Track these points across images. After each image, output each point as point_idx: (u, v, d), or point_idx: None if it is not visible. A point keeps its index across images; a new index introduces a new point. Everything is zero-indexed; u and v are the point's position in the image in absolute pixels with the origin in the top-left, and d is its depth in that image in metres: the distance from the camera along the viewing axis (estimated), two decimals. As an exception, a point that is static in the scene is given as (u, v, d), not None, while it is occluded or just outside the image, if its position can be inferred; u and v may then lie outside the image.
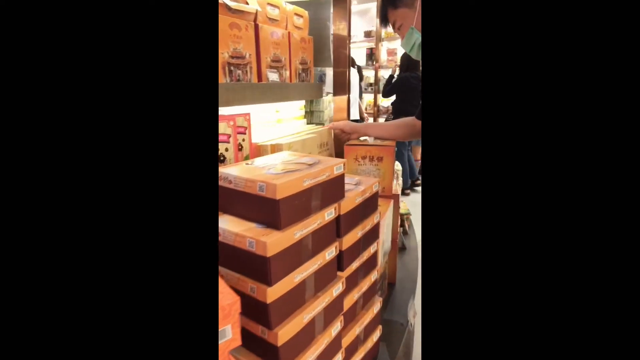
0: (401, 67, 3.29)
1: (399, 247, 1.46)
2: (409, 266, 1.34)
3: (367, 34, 5.07)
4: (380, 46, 4.90)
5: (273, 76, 0.97)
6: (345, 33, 1.29)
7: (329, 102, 1.39)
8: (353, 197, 0.69)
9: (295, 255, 0.57)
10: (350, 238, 0.70)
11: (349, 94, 1.34)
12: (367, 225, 0.76)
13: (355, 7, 5.11)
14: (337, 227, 0.67)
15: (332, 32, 1.33)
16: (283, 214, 0.54)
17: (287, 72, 1.10)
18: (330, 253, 0.64)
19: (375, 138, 1.25)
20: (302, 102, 1.33)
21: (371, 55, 4.98)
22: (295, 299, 0.58)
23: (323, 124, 1.45)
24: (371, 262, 0.83)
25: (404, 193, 2.57)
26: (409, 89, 3.15)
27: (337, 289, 0.66)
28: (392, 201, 1.08)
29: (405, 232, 1.62)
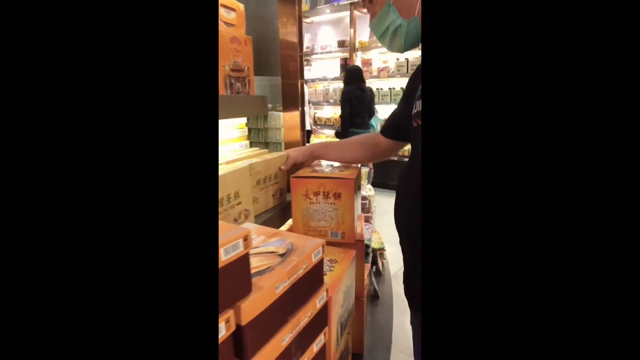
0: (345, 80, 3.44)
1: (370, 295, 1.18)
2: (381, 322, 1.06)
3: (341, 44, 4.88)
4: (355, 57, 4.72)
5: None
6: (293, 38, 1.02)
7: (278, 118, 1.11)
8: (270, 287, 0.41)
9: None
10: (267, 355, 0.41)
11: (302, 108, 1.07)
12: (303, 318, 0.48)
13: (328, 16, 4.90)
14: (237, 346, 0.39)
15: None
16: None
17: (211, 81, 0.82)
18: (220, 400, 0.36)
19: (335, 162, 0.98)
20: (241, 120, 1.05)
21: (345, 65, 4.78)
22: None
23: (267, 144, 1.17)
24: (315, 365, 0.55)
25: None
26: (356, 99, 3.31)
27: None
28: (354, 252, 0.80)
29: (378, 273, 1.34)
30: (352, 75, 3.43)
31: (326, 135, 4.73)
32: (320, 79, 5.04)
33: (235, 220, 0.74)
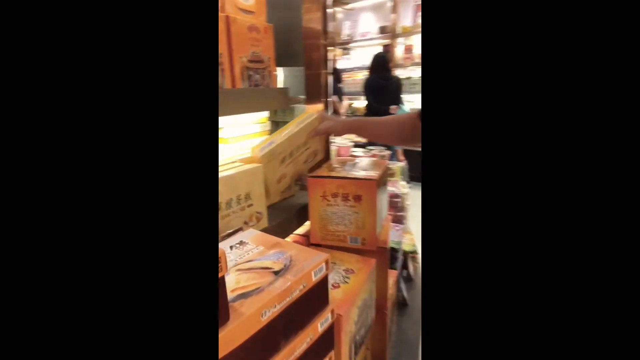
0: (369, 68, 3.40)
1: (399, 303, 1.10)
2: (408, 334, 0.98)
3: (382, 30, 4.67)
4: (397, 43, 4.51)
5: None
6: (317, 25, 0.94)
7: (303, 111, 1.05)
8: (254, 313, 0.36)
9: None
10: (252, 390, 0.36)
11: (326, 100, 1.00)
12: (299, 345, 0.42)
13: (368, 1, 4.70)
14: (213, 383, 0.34)
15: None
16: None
17: (226, 74, 0.77)
18: None
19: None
20: (262, 114, 1.00)
21: (387, 53, 4.58)
22: None
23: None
24: (318, 393, 0.49)
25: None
26: (379, 89, 3.26)
27: None
28: (374, 261, 0.73)
29: (409, 278, 1.25)
30: (377, 64, 3.35)
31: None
32: (359, 68, 4.89)
33: (245, 223, 0.70)
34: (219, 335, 0.33)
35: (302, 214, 0.87)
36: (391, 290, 0.89)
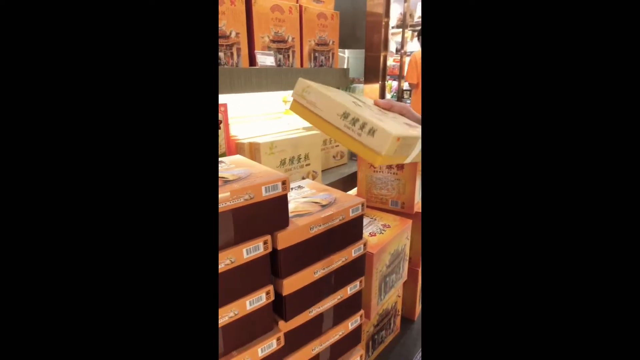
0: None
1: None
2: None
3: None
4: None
5: (266, 59, 0.80)
6: (380, 10, 1.04)
7: (361, 91, 1.17)
8: (305, 225, 0.51)
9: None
10: (299, 280, 0.52)
11: (382, 82, 1.10)
12: (336, 260, 0.57)
13: (445, -19, 4.49)
14: (274, 266, 0.50)
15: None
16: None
17: (296, 55, 0.92)
18: (257, 300, 0.48)
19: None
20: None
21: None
22: None
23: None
24: (349, 306, 0.63)
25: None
26: None
27: (267, 346, 0.50)
28: (410, 222, 0.84)
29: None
30: None
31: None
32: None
33: (303, 178, 0.86)
34: (279, 234, 0.48)
35: (350, 181, 1.01)
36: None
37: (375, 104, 0.59)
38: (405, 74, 3.33)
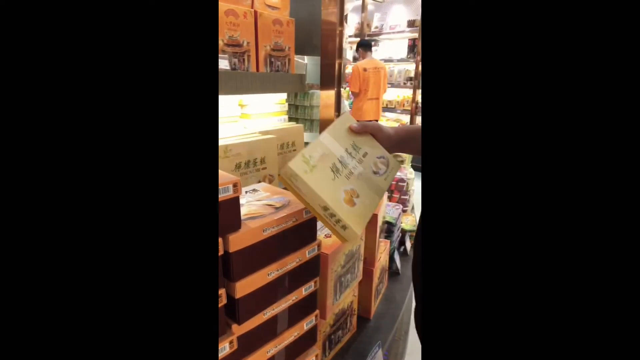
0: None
1: (390, 272, 1.24)
2: (396, 297, 1.12)
3: (411, 24, 4.68)
4: (425, 37, 4.51)
5: (221, 62, 0.80)
6: (334, 19, 1.07)
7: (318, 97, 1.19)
8: (258, 227, 0.51)
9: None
10: (252, 282, 0.52)
11: (338, 88, 1.13)
12: (290, 262, 0.58)
13: (399, -6, 4.72)
14: (226, 269, 0.50)
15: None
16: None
17: (252, 59, 0.92)
18: (209, 304, 0.47)
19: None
20: (281, 96, 1.15)
21: (413, 47, 4.60)
22: None
23: (312, 121, 1.26)
24: (304, 307, 0.64)
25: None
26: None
27: (220, 349, 0.49)
28: (364, 223, 0.87)
29: (404, 253, 1.38)
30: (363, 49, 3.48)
31: (387, 119, 4.67)
32: (386, 60, 4.93)
33: (259, 182, 0.86)
34: (231, 237, 0.48)
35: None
36: (382, 255, 1.03)
37: (351, 128, 0.66)
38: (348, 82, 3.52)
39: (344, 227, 0.53)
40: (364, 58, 3.67)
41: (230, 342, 0.50)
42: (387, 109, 4.87)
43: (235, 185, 0.47)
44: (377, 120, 3.49)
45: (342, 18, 1.09)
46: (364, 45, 3.71)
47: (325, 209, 0.52)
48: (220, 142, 0.77)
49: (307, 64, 1.52)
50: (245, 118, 1.01)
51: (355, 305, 0.93)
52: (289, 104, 1.26)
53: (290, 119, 1.23)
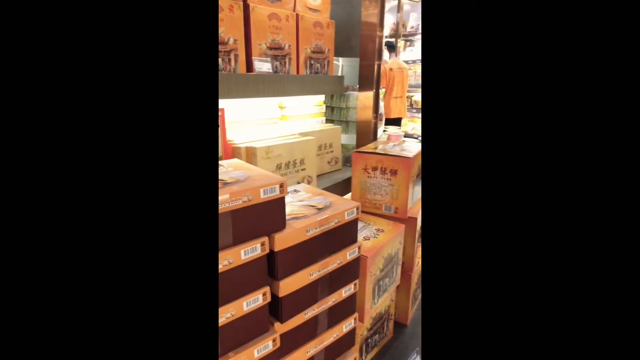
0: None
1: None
2: (434, 303, 1.09)
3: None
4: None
5: (263, 66, 0.82)
6: (374, 20, 1.06)
7: (356, 98, 1.19)
8: (302, 228, 0.52)
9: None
10: (295, 281, 0.53)
11: (376, 89, 1.12)
12: (331, 263, 0.58)
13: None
14: (271, 268, 0.51)
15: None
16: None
17: (292, 62, 0.94)
18: (254, 301, 0.48)
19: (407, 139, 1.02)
20: (319, 98, 1.16)
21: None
22: None
23: (347, 123, 1.26)
24: (343, 309, 0.64)
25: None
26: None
27: (263, 347, 0.50)
28: (403, 226, 0.85)
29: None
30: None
31: (418, 119, 4.57)
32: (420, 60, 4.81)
33: (298, 182, 0.87)
34: (276, 236, 0.49)
35: (345, 186, 1.02)
36: (421, 260, 1.01)
37: None
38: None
39: None
40: (388, 59, 3.68)
41: (274, 340, 0.51)
42: (420, 109, 4.75)
43: (281, 185, 0.48)
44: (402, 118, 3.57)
45: (382, 19, 1.08)
46: (389, 46, 3.70)
47: None
48: (262, 144, 0.78)
49: (343, 65, 1.52)
50: (285, 120, 1.03)
51: (392, 310, 0.92)
52: (326, 106, 1.26)
53: (327, 121, 1.23)
